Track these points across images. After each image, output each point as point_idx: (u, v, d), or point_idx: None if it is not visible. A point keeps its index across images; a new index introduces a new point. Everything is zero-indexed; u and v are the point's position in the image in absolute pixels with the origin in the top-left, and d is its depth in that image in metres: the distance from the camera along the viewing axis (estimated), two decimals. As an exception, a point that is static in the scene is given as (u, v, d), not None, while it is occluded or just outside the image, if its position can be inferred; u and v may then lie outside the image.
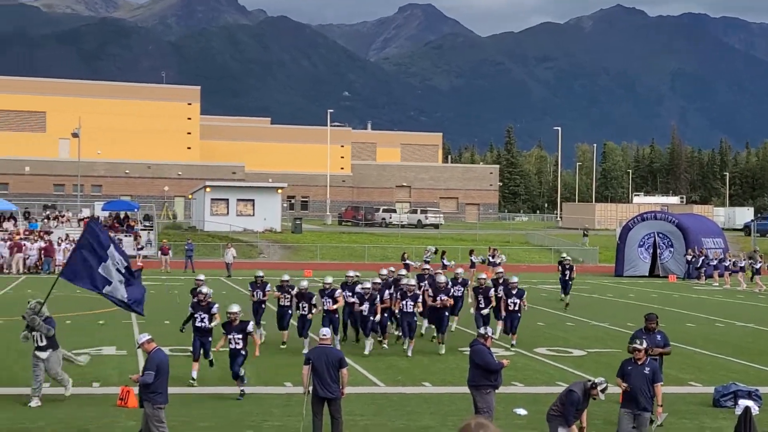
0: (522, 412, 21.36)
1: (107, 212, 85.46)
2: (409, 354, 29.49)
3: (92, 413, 20.71)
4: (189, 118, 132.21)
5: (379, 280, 31.72)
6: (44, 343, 21.92)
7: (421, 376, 26.32)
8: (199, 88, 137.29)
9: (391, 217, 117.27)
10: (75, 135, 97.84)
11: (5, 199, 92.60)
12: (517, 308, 32.58)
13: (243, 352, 22.81)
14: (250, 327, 23.05)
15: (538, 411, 19.90)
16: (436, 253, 64.35)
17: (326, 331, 18.81)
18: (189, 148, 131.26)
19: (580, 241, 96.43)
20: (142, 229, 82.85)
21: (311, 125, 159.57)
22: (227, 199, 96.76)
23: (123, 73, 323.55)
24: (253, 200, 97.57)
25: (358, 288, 31.36)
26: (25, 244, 68.60)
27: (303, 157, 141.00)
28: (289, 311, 31.06)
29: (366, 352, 29.74)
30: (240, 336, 22.77)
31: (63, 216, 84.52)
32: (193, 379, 23.96)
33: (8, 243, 68.50)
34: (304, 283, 30.41)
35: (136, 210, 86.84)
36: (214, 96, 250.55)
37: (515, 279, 33.49)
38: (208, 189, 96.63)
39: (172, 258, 70.36)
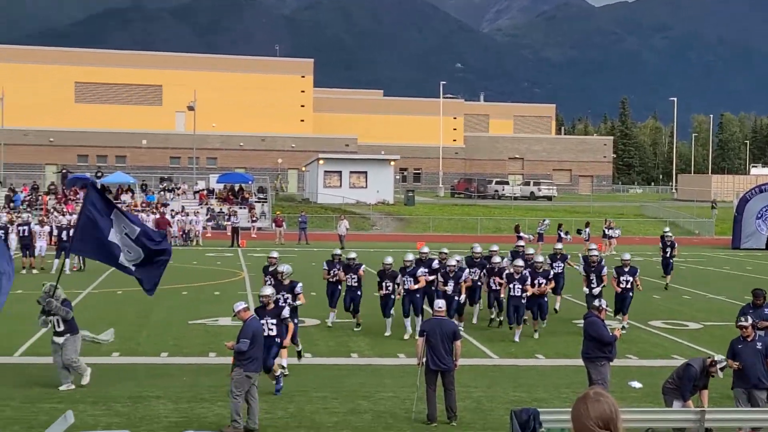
0: (637, 385, 21.17)
1: (222, 185, 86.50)
2: (517, 339, 27.63)
3: (208, 382, 21.05)
4: (302, 91, 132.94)
5: (458, 258, 29.67)
6: (62, 328, 20.64)
7: (534, 349, 26.25)
8: (312, 60, 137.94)
9: (503, 189, 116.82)
10: (191, 108, 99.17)
11: (123, 171, 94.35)
12: (629, 287, 29.86)
13: (278, 340, 20.27)
14: (286, 312, 20.49)
15: (653, 384, 19.70)
16: (549, 225, 63.05)
17: (441, 303, 18.82)
18: (302, 120, 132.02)
19: (709, 215, 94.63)
20: (256, 202, 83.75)
21: (424, 97, 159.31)
22: (340, 172, 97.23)
23: (237, 47, 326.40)
24: (365, 172, 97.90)
25: (435, 264, 29.43)
26: (141, 217, 69.81)
27: (415, 130, 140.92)
28: (359, 292, 28.97)
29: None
30: (274, 321, 20.20)
31: (179, 188, 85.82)
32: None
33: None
34: (389, 260, 28.74)
35: (250, 182, 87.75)
36: (327, 69, 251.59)
37: (627, 256, 30.83)
38: (321, 161, 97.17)
39: (286, 230, 70.94)
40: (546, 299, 28.99)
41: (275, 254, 26.86)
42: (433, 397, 17.88)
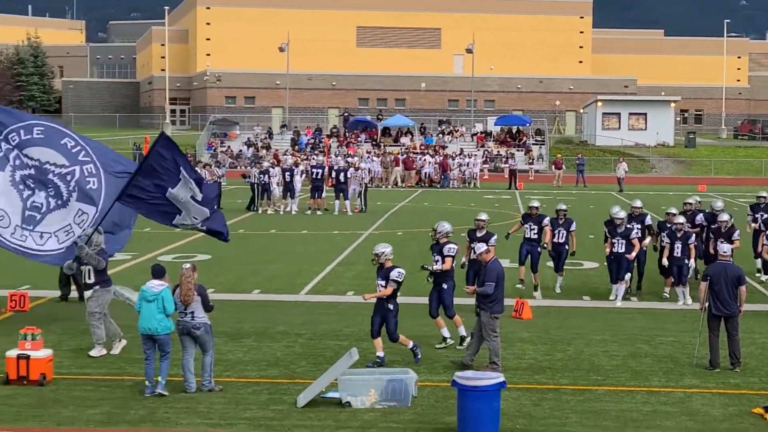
0: None
1: (499, 127, 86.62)
2: None
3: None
4: (581, 32, 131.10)
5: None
6: (92, 279, 18.57)
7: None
8: (591, 1, 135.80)
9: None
10: (469, 51, 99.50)
11: (402, 114, 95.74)
12: None
13: (390, 306, 17.70)
14: (394, 274, 17.66)
15: None
16: None
17: (726, 248, 18.41)
18: (580, 62, 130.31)
19: None
20: (533, 144, 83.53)
21: (705, 36, 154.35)
22: (619, 113, 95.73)
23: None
24: (645, 114, 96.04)
25: (647, 220, 25.69)
26: (417, 158, 70.82)
27: (696, 70, 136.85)
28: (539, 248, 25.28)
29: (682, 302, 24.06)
30: (383, 283, 17.83)
31: (457, 131, 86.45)
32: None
33: (402, 157, 70.93)
34: (638, 203, 25.81)
35: (527, 125, 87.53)
36: (606, 9, 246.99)
37: None
38: (599, 103, 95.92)
39: (564, 173, 70.50)
40: None
41: (483, 216, 23.11)
42: (716, 342, 17.56)
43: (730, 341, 17.61)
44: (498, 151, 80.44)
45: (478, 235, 21.92)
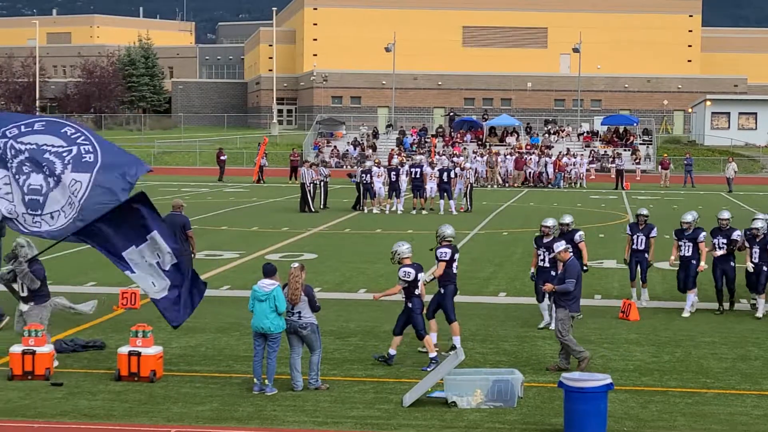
0: None
1: (606, 126, 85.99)
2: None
3: (594, 324, 21.17)
4: (690, 31, 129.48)
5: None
6: (25, 293, 17.52)
7: None
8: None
9: None
10: (575, 50, 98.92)
11: (508, 113, 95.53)
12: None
13: (409, 305, 17.60)
14: (401, 273, 17.60)
15: None
16: None
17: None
18: (689, 60, 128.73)
19: None
20: (640, 144, 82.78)
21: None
22: (728, 113, 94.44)
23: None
24: (755, 113, 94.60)
25: (735, 235, 22.82)
26: (527, 158, 70.63)
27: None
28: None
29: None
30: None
31: (563, 130, 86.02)
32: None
33: (514, 156, 70.76)
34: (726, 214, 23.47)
35: (635, 124, 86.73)
36: (716, 6, 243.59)
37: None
38: (708, 102, 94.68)
39: (671, 172, 69.73)
40: None
41: (550, 222, 21.16)
42: (828, 347, 17.28)
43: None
44: (605, 151, 79.82)
45: (545, 241, 20.89)
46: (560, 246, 17.96)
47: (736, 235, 22.66)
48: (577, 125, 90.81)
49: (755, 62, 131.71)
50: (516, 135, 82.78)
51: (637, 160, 77.98)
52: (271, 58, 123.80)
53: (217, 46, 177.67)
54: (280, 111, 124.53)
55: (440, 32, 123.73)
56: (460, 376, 15.14)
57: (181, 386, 15.94)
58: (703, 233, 22.72)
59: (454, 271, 18.76)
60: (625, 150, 79.92)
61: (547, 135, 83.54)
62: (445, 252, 18.59)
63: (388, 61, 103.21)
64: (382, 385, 16.08)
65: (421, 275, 17.58)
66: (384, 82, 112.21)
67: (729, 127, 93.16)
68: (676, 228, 23.34)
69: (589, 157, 76.75)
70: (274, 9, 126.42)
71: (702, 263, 22.40)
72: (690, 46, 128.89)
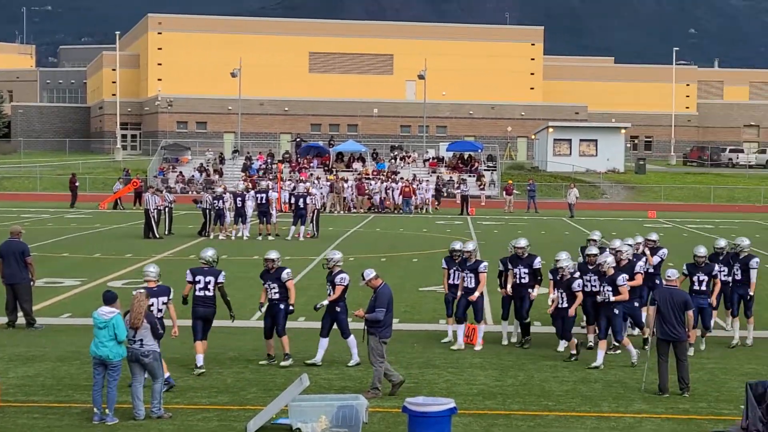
0: None
1: (451, 153, 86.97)
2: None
3: (439, 349, 21.29)
4: (532, 59, 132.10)
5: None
6: None
7: (770, 322, 25.49)
8: (542, 28, 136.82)
9: (738, 158, 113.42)
10: (421, 77, 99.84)
11: (354, 140, 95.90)
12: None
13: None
14: (338, 280, 19.52)
15: None
16: None
17: (672, 273, 18.53)
18: (532, 88, 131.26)
19: None
20: (485, 170, 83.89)
21: (655, 64, 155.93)
22: (570, 140, 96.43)
23: (467, 15, 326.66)
24: (596, 140, 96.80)
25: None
26: (369, 184, 71.00)
27: (646, 97, 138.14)
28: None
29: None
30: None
31: (409, 156, 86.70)
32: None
33: (356, 183, 71.04)
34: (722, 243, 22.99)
35: (479, 150, 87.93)
36: (557, 36, 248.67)
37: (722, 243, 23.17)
38: (550, 129, 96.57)
39: (515, 198, 70.86)
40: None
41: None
42: (665, 367, 17.66)
43: (679, 366, 17.71)
44: (450, 177, 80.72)
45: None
46: (369, 274, 18.00)
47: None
48: (422, 151, 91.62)
49: (595, 90, 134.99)
50: (362, 161, 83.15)
51: (482, 186, 79.03)
52: (114, 82, 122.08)
53: (59, 69, 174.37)
54: (124, 136, 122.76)
55: (287, 58, 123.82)
56: (305, 402, 15.05)
57: (18, 417, 15.50)
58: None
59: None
60: (469, 176, 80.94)
61: (393, 161, 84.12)
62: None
63: (234, 86, 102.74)
64: (225, 413, 15.91)
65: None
66: (230, 108, 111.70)
67: (570, 154, 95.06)
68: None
69: (435, 182, 77.53)
70: (117, 33, 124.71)
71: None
72: (533, 74, 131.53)
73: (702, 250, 21.52)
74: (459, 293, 21.74)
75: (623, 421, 15.93)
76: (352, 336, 19.66)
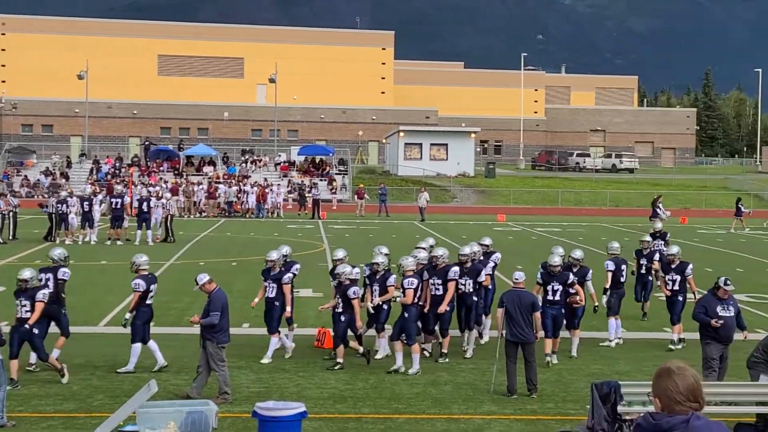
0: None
1: (303, 157, 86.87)
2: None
3: (290, 354, 21.19)
4: (383, 63, 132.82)
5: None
6: None
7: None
8: (393, 33, 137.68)
9: (584, 162, 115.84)
10: (272, 81, 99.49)
11: (205, 143, 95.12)
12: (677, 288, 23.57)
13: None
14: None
15: (736, 359, 19.49)
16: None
17: (519, 275, 18.78)
18: (383, 92, 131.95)
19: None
20: (336, 174, 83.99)
21: (505, 69, 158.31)
22: (421, 144, 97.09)
23: (319, 19, 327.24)
24: (446, 144, 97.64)
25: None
26: (219, 187, 70.52)
27: (496, 102, 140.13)
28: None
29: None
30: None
31: (260, 160, 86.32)
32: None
33: (206, 186, 70.48)
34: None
35: (331, 154, 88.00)
36: (408, 41, 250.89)
37: (675, 250, 24.25)
38: (401, 133, 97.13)
39: (366, 202, 71.10)
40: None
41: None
42: (513, 369, 17.88)
43: (527, 368, 17.95)
44: (302, 181, 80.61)
45: (377, 277, 21.07)
46: (203, 278, 17.85)
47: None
48: (274, 155, 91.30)
49: (445, 95, 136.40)
50: (213, 165, 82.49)
51: (333, 190, 79.12)
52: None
53: None
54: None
55: (135, 60, 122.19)
56: (153, 409, 14.78)
57: None
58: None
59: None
60: (321, 180, 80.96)
61: (244, 165, 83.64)
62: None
63: (81, 89, 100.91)
64: (71, 420, 15.58)
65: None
66: (77, 111, 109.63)
67: (421, 158, 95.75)
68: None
69: (287, 186, 77.36)
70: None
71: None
72: (384, 78, 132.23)
73: (557, 259, 21.21)
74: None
75: (472, 422, 16.06)
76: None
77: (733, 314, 18.03)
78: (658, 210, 52.09)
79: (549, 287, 20.91)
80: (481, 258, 22.60)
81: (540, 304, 19.09)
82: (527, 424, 16.04)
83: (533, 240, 51.34)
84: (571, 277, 21.37)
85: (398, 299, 20.45)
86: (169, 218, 47.73)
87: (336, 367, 19.68)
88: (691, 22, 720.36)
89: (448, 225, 60.25)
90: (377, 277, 21.02)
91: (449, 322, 21.20)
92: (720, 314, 17.77)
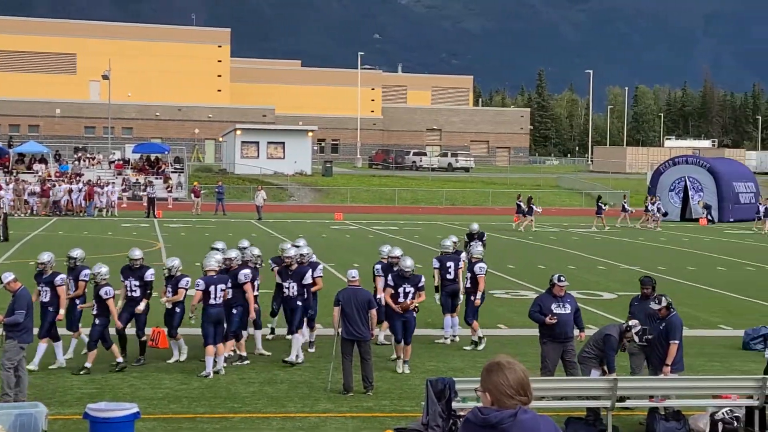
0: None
1: (138, 155, 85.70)
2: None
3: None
4: (219, 61, 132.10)
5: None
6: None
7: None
8: (229, 30, 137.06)
9: (421, 161, 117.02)
10: (105, 77, 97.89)
11: (36, 141, 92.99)
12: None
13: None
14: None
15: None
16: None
17: (354, 273, 18.81)
18: (219, 90, 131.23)
19: (625, 186, 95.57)
20: (172, 172, 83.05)
21: (342, 68, 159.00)
22: (257, 142, 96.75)
23: (158, 15, 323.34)
24: (283, 143, 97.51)
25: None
26: (52, 186, 69.05)
27: (333, 100, 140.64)
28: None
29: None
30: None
31: (94, 158, 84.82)
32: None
33: (38, 184, 68.95)
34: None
35: (166, 152, 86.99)
36: (245, 39, 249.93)
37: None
38: (238, 132, 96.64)
39: (203, 201, 70.50)
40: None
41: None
42: (349, 366, 17.90)
43: (363, 365, 17.99)
44: (136, 179, 79.45)
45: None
46: (7, 277, 17.45)
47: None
48: (108, 153, 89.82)
49: (282, 93, 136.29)
50: (45, 162, 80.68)
51: (169, 188, 78.18)
52: None
53: None
54: None
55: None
56: (-20, 413, 14.39)
57: None
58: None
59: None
60: (156, 178, 79.91)
61: (77, 162, 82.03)
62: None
63: None
64: None
65: None
66: None
67: (258, 156, 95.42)
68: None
69: (121, 185, 76.18)
70: None
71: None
72: (220, 76, 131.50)
73: (409, 262, 20.68)
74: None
75: (308, 420, 16.05)
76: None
77: (570, 311, 18.11)
78: (533, 207, 58.66)
79: (400, 290, 20.28)
80: (311, 260, 22.28)
81: (376, 302, 19.10)
82: (363, 422, 16.10)
83: (370, 238, 51.58)
84: (423, 280, 20.72)
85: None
86: (3, 217, 46.55)
87: (81, 372, 19.17)
88: (525, 24, 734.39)
89: (285, 224, 60.15)
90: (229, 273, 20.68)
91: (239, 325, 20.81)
92: (555, 311, 17.83)
